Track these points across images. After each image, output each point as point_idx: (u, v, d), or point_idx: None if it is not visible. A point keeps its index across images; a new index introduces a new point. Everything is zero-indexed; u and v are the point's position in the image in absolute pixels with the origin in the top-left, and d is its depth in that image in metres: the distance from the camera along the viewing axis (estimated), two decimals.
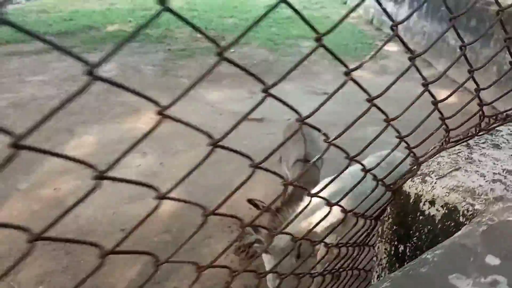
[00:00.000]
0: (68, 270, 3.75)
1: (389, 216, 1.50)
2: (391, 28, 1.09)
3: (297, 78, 8.86)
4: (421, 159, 1.48)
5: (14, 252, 3.88)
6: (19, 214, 4.47)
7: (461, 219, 1.22)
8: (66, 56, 0.58)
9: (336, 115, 6.98)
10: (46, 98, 7.57)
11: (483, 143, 1.58)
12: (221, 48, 0.69)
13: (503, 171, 1.35)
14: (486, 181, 1.29)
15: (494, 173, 1.33)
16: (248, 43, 11.19)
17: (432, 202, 1.33)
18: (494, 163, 1.40)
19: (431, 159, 1.51)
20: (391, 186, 1.40)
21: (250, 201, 2.95)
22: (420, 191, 1.37)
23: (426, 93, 1.31)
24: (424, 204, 1.36)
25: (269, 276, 2.61)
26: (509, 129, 1.67)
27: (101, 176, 0.55)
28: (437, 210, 1.31)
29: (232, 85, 8.57)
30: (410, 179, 1.43)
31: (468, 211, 1.20)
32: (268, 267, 2.66)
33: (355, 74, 1.15)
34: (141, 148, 5.62)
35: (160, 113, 0.59)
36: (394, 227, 1.48)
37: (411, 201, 1.40)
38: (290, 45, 11.37)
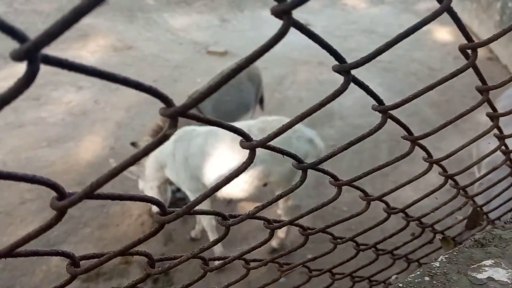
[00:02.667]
0: None
1: None
2: None
3: None
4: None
5: None
6: None
7: None
8: None
9: (311, 50, 6.91)
10: None
11: None
12: None
13: None
14: None
15: None
16: None
17: None
18: None
19: None
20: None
21: (132, 144, 3.51)
22: None
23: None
24: None
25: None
26: None
27: None
28: None
29: (203, 9, 8.24)
30: None
31: None
32: (142, 189, 3.47)
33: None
34: (76, 81, 5.45)
35: None
36: None
37: None
38: None
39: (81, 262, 0.60)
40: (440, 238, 1.20)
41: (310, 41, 0.53)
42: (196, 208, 0.57)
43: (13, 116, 4.95)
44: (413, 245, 1.21)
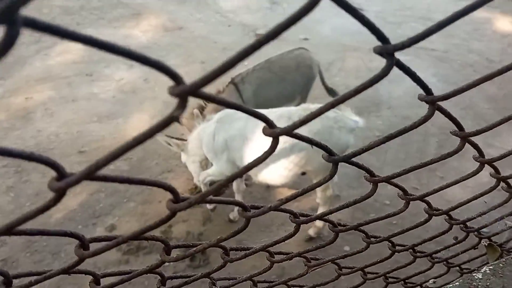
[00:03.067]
0: (12, 191, 3.75)
1: None
2: None
3: None
4: None
5: None
6: None
7: None
8: None
9: (362, 36, 6.67)
10: None
11: None
12: None
13: None
14: None
15: None
16: None
17: None
18: None
19: None
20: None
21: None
22: None
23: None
24: None
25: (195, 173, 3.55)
26: None
27: None
28: None
29: None
30: None
31: None
32: (185, 162, 3.60)
33: None
34: (128, 59, 5.48)
35: None
36: None
37: None
38: None
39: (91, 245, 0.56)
40: (486, 244, 1.09)
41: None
42: (213, 196, 0.52)
43: (67, 90, 5.12)
44: (455, 249, 1.11)
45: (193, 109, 3.50)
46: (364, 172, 0.71)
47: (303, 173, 3.05)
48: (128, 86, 5.19)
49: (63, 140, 4.30)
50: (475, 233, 1.01)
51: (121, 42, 5.14)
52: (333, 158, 0.58)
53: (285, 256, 0.83)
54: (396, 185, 0.74)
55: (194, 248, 0.64)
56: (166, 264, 3.40)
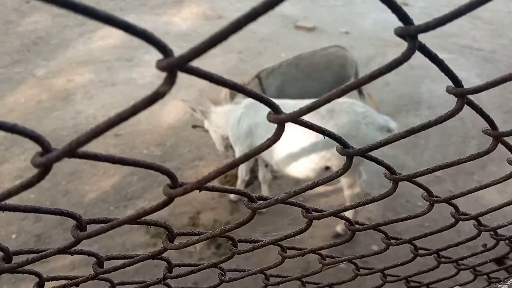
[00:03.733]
0: None
1: None
2: None
3: None
4: None
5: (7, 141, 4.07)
6: (26, 101, 4.56)
7: None
8: None
9: None
10: None
11: None
12: None
13: None
14: None
15: None
16: None
17: None
18: None
19: None
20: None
21: (194, 127, 3.83)
22: None
23: None
24: None
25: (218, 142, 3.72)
26: None
27: None
28: None
29: None
30: None
31: None
32: (208, 128, 3.73)
33: None
34: (170, 46, 5.55)
35: None
36: None
37: None
38: None
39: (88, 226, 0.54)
40: None
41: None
42: (210, 184, 0.48)
43: (107, 74, 5.23)
44: (484, 257, 1.03)
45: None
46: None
47: (327, 168, 2.98)
48: (163, 74, 5.29)
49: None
50: (506, 241, 0.93)
51: (161, 28, 5.23)
52: (347, 150, 0.53)
53: (297, 252, 0.79)
54: (420, 185, 0.68)
55: (197, 237, 0.61)
56: (192, 250, 3.42)
